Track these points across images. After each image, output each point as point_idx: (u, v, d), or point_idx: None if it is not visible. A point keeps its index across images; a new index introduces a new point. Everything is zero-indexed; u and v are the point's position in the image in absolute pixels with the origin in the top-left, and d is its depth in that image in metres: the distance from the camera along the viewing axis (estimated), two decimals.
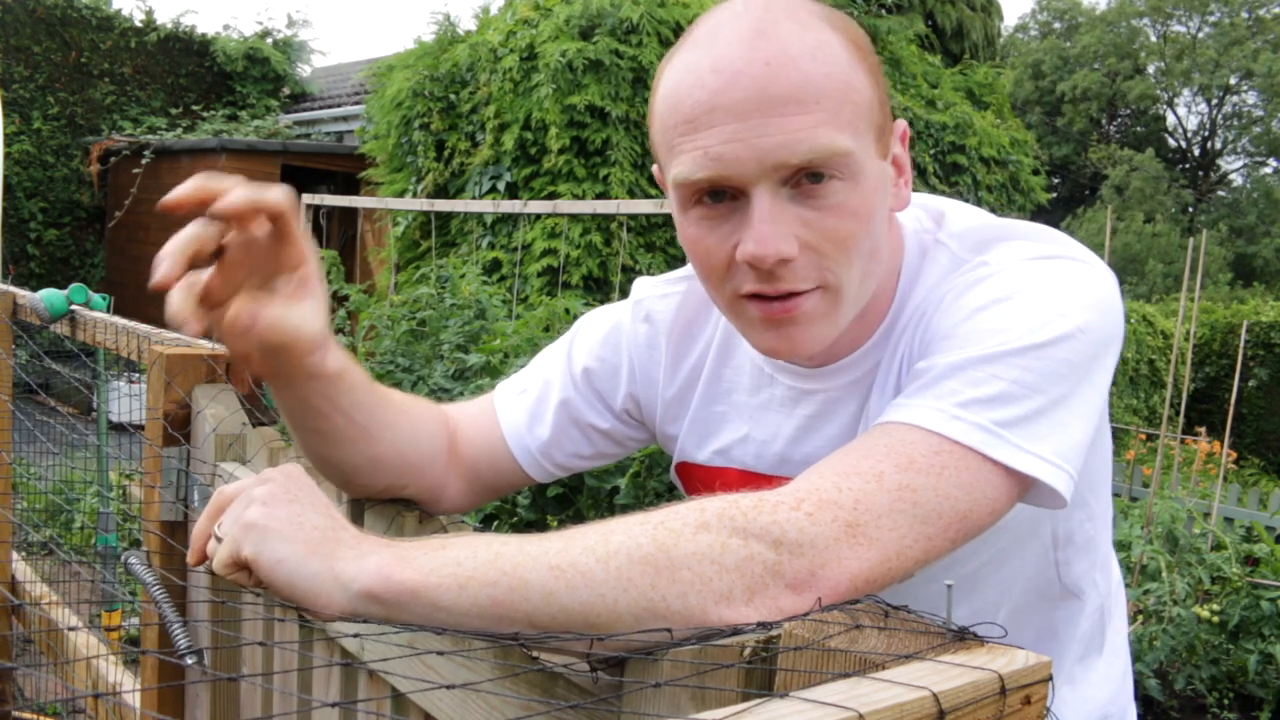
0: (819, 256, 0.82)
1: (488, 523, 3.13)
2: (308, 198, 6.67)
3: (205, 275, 0.79)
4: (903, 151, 0.89)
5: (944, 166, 7.30)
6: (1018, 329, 0.79)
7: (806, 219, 0.81)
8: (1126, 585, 3.64)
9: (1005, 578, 0.97)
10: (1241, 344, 5.38)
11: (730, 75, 0.79)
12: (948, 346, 0.82)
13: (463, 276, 4.53)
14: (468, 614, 0.68)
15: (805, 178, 0.80)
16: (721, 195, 0.82)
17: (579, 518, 3.08)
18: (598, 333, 1.10)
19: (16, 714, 2.82)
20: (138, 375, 5.30)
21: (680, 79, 0.82)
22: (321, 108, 11.99)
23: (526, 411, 1.09)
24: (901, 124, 0.90)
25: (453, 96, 6.35)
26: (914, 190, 0.93)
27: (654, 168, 0.94)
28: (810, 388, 0.96)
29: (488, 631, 0.69)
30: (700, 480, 1.06)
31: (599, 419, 1.09)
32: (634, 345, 1.08)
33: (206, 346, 1.44)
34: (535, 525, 3.09)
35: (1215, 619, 3.54)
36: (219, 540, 0.78)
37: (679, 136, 0.82)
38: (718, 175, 0.80)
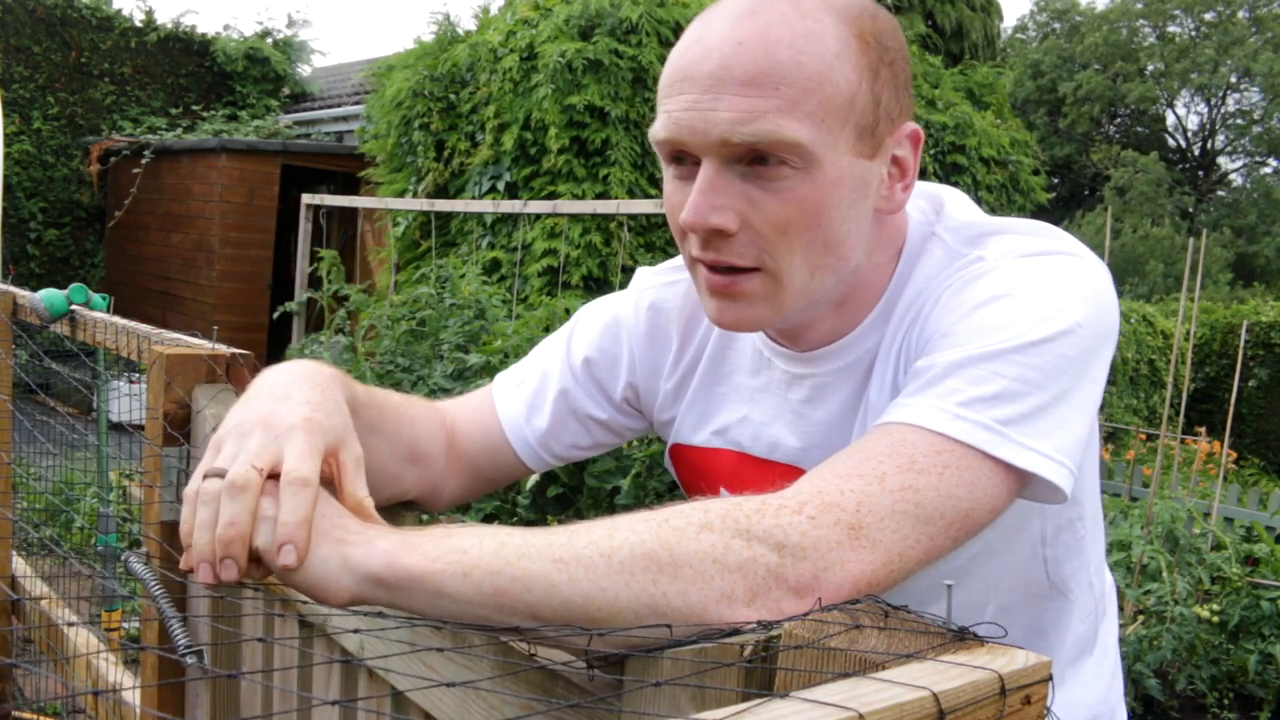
0: (760, 238, 0.83)
1: (488, 522, 3.13)
2: (307, 198, 6.68)
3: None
4: (909, 154, 0.88)
5: (944, 166, 7.30)
6: (1017, 326, 0.79)
7: (753, 197, 0.82)
8: (1126, 585, 3.63)
9: (992, 572, 0.97)
10: (1241, 344, 5.37)
11: (706, 48, 0.82)
12: (947, 344, 0.82)
13: (463, 276, 4.53)
14: (470, 602, 0.68)
15: (754, 158, 0.81)
16: (685, 159, 0.85)
17: (579, 517, 3.08)
18: (597, 323, 1.11)
19: (16, 714, 2.82)
20: (138, 375, 5.30)
21: (679, 45, 0.86)
22: (321, 108, 11.98)
23: (525, 403, 1.09)
24: (911, 126, 0.89)
25: (453, 96, 6.35)
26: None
27: None
28: (801, 372, 0.96)
29: (489, 622, 0.69)
30: (693, 463, 1.06)
31: (598, 410, 1.10)
32: (634, 336, 1.08)
33: (207, 346, 1.44)
34: (535, 525, 3.09)
35: (1215, 619, 3.54)
36: None
37: (661, 98, 0.85)
38: (674, 139, 0.83)
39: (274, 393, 0.81)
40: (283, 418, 0.77)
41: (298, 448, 0.75)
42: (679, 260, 1.09)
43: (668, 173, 0.88)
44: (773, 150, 0.80)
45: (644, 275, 1.12)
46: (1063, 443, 0.78)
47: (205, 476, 0.74)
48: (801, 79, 0.79)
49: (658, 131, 0.85)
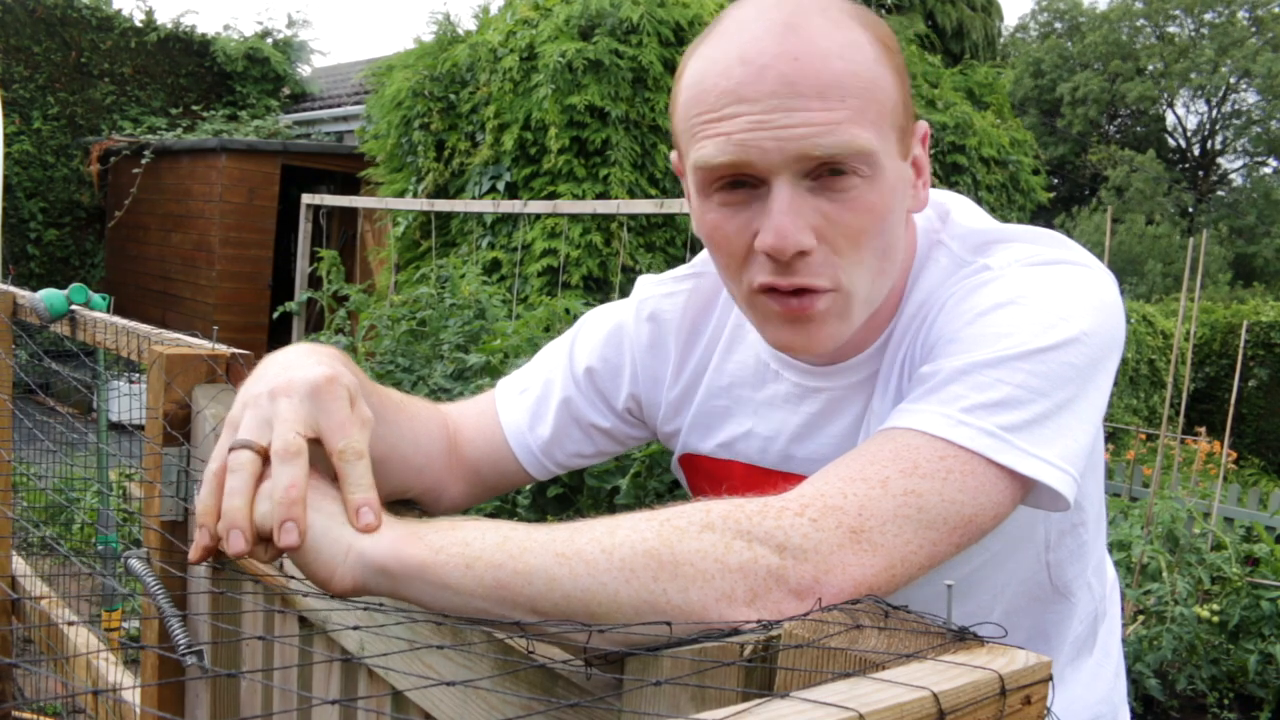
0: (834, 253, 0.82)
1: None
2: (307, 198, 6.68)
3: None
4: (923, 153, 0.89)
5: (944, 166, 7.30)
6: (1022, 333, 0.79)
7: (825, 211, 0.81)
8: (1127, 585, 3.63)
9: (999, 581, 0.98)
10: (1241, 344, 5.38)
11: (758, 67, 0.79)
12: (952, 351, 0.82)
13: (463, 276, 4.53)
14: (472, 594, 0.68)
15: (827, 171, 0.80)
16: (741, 183, 0.83)
17: (579, 517, 3.08)
18: (600, 332, 1.10)
19: (16, 714, 2.82)
20: (138, 375, 5.30)
21: (707, 68, 0.82)
22: (321, 108, 11.98)
23: (528, 411, 1.09)
24: (923, 126, 0.90)
25: (452, 96, 6.35)
26: None
27: (672, 154, 0.94)
28: (816, 385, 0.96)
29: (490, 615, 0.69)
30: (706, 472, 1.06)
31: (600, 418, 1.09)
32: (636, 346, 1.08)
33: (207, 346, 1.45)
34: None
35: (1215, 619, 3.54)
36: None
37: (702, 124, 0.82)
38: (740, 160, 0.80)
39: (287, 363, 0.80)
40: (301, 380, 0.77)
41: (337, 415, 0.76)
42: (681, 270, 1.08)
43: (712, 199, 0.84)
44: (849, 160, 0.80)
45: (645, 284, 1.11)
46: (1066, 450, 0.78)
47: (232, 449, 0.74)
48: (859, 88, 0.80)
49: (714, 156, 0.81)
